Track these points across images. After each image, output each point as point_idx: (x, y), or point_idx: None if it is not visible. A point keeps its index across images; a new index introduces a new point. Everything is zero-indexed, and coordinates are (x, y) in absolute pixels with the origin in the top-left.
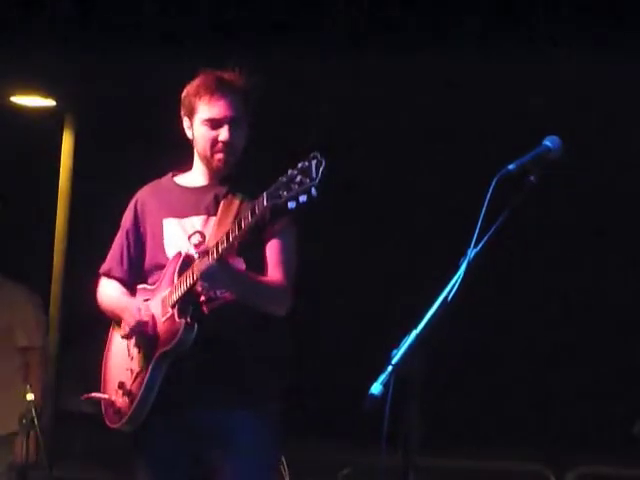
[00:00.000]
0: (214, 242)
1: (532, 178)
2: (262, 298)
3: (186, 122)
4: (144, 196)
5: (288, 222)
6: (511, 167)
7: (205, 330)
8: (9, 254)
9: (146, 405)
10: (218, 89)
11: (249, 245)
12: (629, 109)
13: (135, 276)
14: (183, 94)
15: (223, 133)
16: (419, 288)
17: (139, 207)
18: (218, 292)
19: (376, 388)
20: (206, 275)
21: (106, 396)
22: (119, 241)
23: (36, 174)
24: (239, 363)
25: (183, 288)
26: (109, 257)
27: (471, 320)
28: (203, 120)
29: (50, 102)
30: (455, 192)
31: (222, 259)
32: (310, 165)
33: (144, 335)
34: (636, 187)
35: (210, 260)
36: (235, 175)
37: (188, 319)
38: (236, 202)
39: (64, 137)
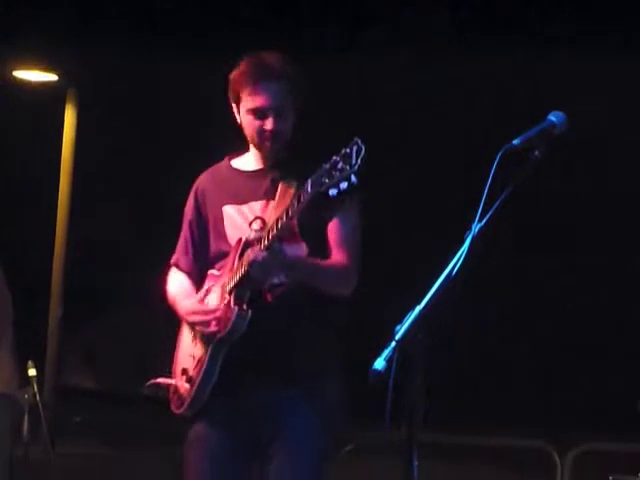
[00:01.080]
0: (266, 230)
1: (537, 153)
2: (324, 281)
3: (234, 108)
4: (203, 184)
5: (349, 201)
6: (516, 142)
7: (270, 317)
8: (11, 228)
9: (205, 391)
10: (261, 78)
11: (310, 228)
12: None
13: (202, 264)
14: (229, 79)
15: (268, 123)
16: (422, 264)
17: (199, 196)
18: (280, 279)
19: (379, 364)
20: (256, 264)
21: (172, 381)
22: (184, 232)
23: (38, 148)
24: (303, 348)
25: (239, 275)
26: (177, 248)
27: (474, 297)
28: (247, 110)
29: (52, 77)
30: (460, 170)
31: (273, 247)
32: (351, 151)
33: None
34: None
35: (260, 248)
36: (289, 158)
37: (243, 306)
38: (293, 185)
39: (66, 112)
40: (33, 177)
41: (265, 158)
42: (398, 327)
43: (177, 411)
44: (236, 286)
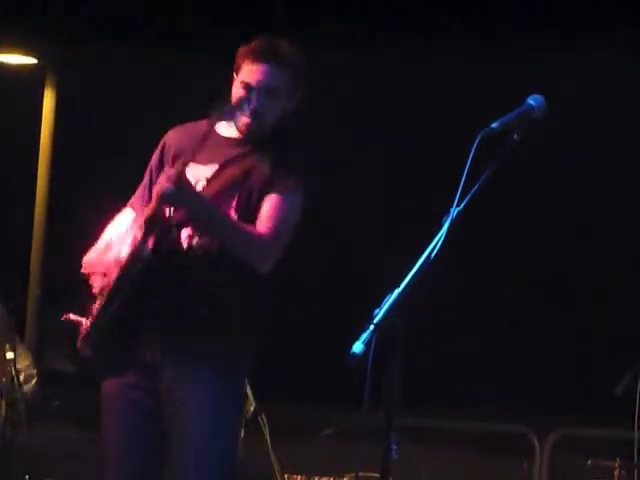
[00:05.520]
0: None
1: (515, 136)
2: (229, 238)
3: (235, 78)
4: (172, 139)
5: (298, 186)
6: (494, 125)
7: (179, 263)
8: None
9: (96, 332)
10: (263, 55)
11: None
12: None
13: None
14: (237, 51)
15: (253, 99)
16: (401, 247)
17: (166, 151)
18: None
19: (358, 347)
20: (165, 193)
21: (83, 320)
22: (144, 179)
23: (17, 132)
24: (206, 310)
25: (150, 208)
26: (136, 193)
27: (451, 283)
28: (241, 80)
29: (31, 60)
30: (435, 152)
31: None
32: None
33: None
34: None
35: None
36: (267, 139)
37: (148, 242)
38: (249, 161)
39: (45, 95)
40: (11, 160)
41: (240, 132)
42: (377, 310)
43: (78, 347)
44: (146, 220)
